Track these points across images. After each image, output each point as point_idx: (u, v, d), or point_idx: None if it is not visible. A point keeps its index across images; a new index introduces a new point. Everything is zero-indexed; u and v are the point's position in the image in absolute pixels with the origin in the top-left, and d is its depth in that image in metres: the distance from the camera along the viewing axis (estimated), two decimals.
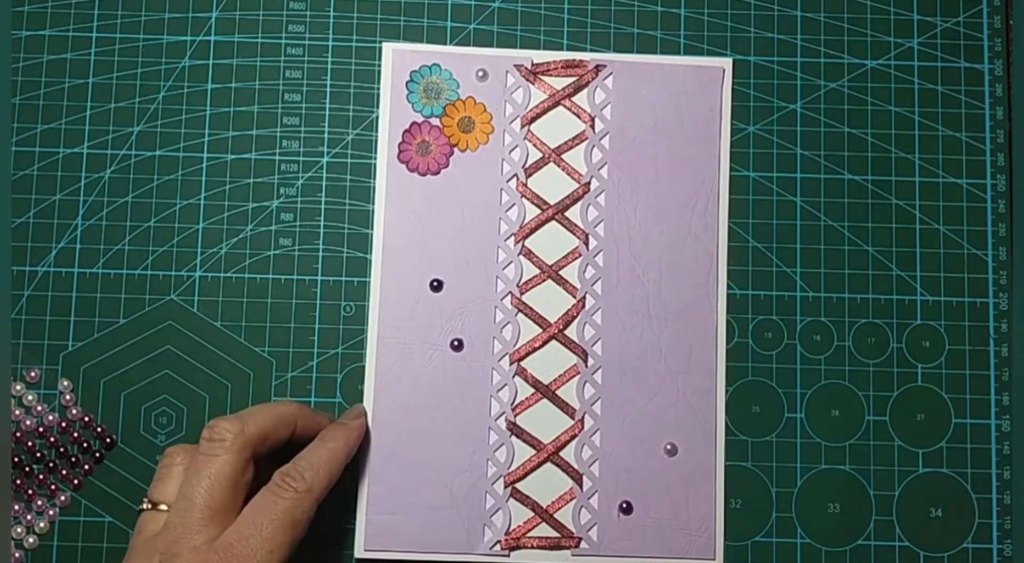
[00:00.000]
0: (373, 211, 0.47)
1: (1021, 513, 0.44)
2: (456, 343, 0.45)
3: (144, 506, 0.39)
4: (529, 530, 0.44)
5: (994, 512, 0.46)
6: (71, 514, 0.45)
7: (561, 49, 0.48)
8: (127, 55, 0.48)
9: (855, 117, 0.48)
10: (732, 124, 0.47)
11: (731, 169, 0.47)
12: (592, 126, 0.47)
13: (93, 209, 0.47)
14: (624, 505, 0.44)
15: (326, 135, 0.48)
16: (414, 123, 0.47)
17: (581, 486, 0.45)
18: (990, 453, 0.46)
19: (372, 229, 0.47)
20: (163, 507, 0.38)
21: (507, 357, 0.45)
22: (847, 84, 0.48)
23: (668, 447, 0.45)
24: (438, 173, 0.46)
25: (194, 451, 0.39)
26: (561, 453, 0.45)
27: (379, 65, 0.48)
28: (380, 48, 0.48)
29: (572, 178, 0.47)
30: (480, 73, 0.47)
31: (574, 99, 0.47)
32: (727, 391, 0.46)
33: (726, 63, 0.47)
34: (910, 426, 0.46)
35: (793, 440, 0.46)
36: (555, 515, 0.44)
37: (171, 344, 0.46)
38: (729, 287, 0.47)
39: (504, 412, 0.45)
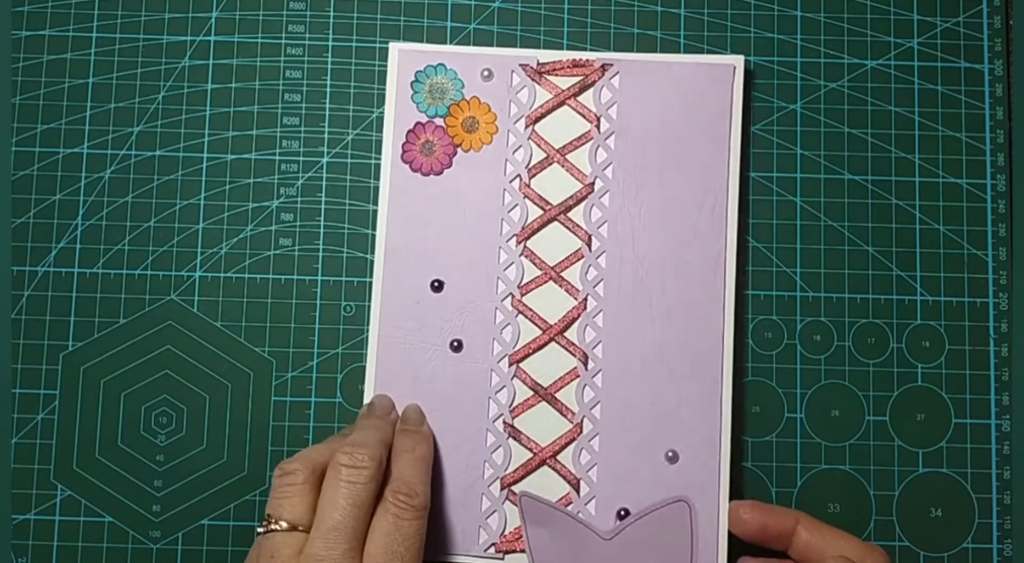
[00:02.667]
0: (375, 211, 0.47)
1: (1021, 513, 0.44)
2: (456, 344, 0.45)
3: (278, 526, 0.37)
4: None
5: (994, 512, 0.46)
6: (71, 514, 0.45)
7: (561, 49, 0.48)
8: (127, 55, 0.48)
9: (855, 117, 0.48)
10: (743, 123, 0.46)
11: (741, 169, 0.46)
12: (597, 126, 0.46)
13: (93, 209, 0.47)
14: (622, 512, 0.43)
15: (326, 135, 0.48)
16: (418, 123, 0.46)
17: (578, 491, 0.44)
18: (990, 453, 0.46)
19: (373, 229, 0.47)
20: (300, 528, 0.37)
21: (506, 359, 0.45)
22: (847, 84, 0.48)
23: (669, 454, 0.44)
24: (441, 173, 0.46)
25: (318, 469, 0.38)
26: (559, 457, 0.44)
27: (379, 65, 0.48)
28: (380, 48, 0.48)
29: (576, 178, 0.46)
30: (485, 73, 0.46)
31: (579, 99, 0.46)
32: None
33: (737, 61, 0.46)
34: (910, 426, 0.46)
35: (793, 440, 0.46)
36: None
37: (171, 344, 0.46)
38: None
39: (502, 414, 0.44)
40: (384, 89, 0.47)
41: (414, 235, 0.46)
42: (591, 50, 0.48)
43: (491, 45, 0.48)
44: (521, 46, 0.48)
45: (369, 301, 0.46)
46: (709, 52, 0.48)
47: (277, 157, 0.48)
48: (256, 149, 0.48)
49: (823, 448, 0.46)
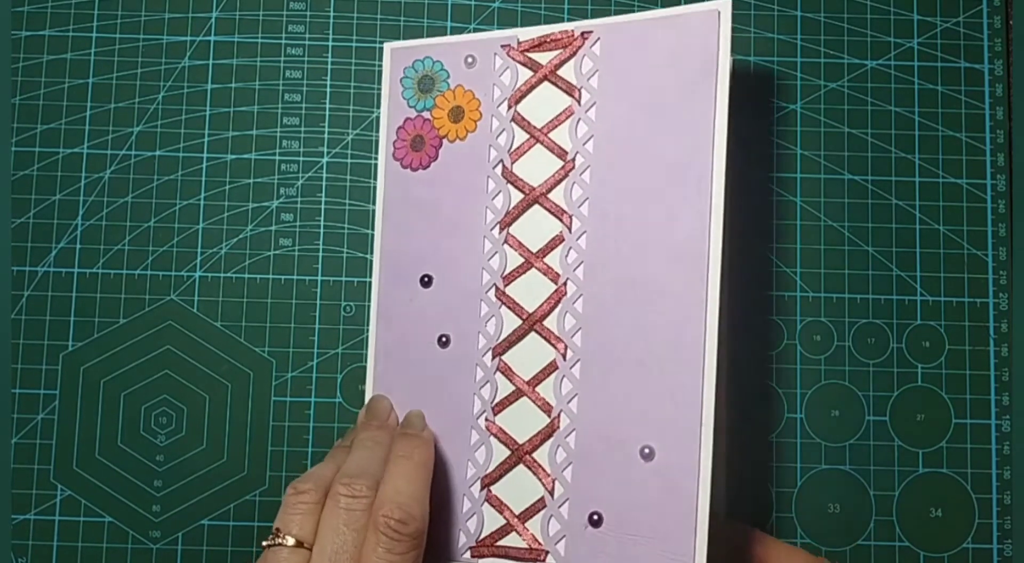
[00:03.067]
0: (375, 211, 0.47)
1: (1021, 513, 0.44)
2: (444, 339, 0.43)
3: (285, 541, 0.37)
4: (500, 538, 0.41)
5: (994, 512, 0.46)
6: (71, 514, 0.45)
7: None
8: (127, 55, 0.48)
9: (855, 117, 0.48)
10: (733, 69, 0.41)
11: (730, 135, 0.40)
12: (578, 99, 0.43)
13: (93, 209, 0.47)
14: (595, 517, 0.39)
15: (326, 135, 0.48)
16: (407, 119, 0.45)
17: (552, 494, 0.40)
18: (990, 453, 0.46)
19: (373, 229, 0.47)
20: (306, 546, 0.36)
21: (490, 352, 0.42)
22: (847, 84, 0.48)
23: (645, 450, 0.39)
24: (428, 167, 0.44)
25: (325, 492, 0.38)
26: (536, 455, 0.41)
27: (379, 65, 0.48)
28: (379, 48, 0.48)
29: (557, 157, 0.43)
30: (469, 59, 0.45)
31: (559, 72, 0.43)
32: (727, 391, 0.46)
33: (722, 6, 0.40)
34: (910, 426, 0.46)
35: (793, 440, 0.46)
36: (526, 523, 0.41)
37: (171, 344, 0.46)
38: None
39: (485, 410, 0.42)
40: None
41: (406, 232, 0.44)
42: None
43: None
44: None
45: (369, 301, 0.46)
46: None
47: (277, 157, 0.48)
48: (256, 149, 0.48)
49: (823, 448, 0.46)
